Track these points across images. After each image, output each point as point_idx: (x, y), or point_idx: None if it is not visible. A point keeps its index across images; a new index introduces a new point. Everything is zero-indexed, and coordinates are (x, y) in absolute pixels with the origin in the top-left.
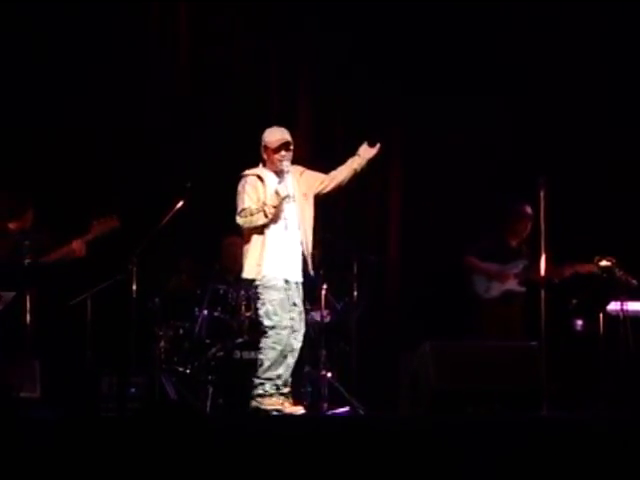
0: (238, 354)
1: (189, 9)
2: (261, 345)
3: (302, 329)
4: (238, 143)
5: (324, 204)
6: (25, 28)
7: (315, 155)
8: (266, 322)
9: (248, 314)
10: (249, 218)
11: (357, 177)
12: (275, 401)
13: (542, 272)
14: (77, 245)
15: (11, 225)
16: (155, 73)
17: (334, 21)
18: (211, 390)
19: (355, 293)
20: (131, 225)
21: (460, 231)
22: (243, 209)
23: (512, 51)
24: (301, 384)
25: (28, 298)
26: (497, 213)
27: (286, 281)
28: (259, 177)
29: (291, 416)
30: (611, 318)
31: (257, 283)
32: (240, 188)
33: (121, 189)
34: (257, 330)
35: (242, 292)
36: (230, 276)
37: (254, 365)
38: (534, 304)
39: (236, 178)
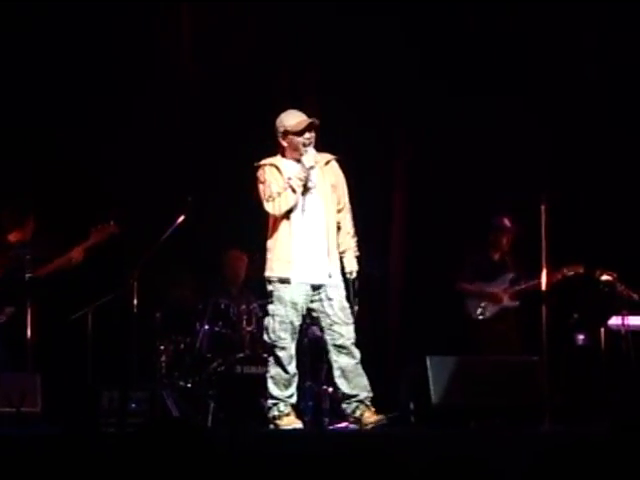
0: (239, 369)
1: (191, 9)
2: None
3: (345, 326)
4: (240, 156)
5: None
6: (23, 31)
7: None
8: (264, 336)
9: (249, 328)
10: (277, 200)
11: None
12: (292, 420)
13: (544, 288)
14: (75, 253)
15: (11, 237)
16: (157, 83)
17: (339, 20)
18: (212, 405)
19: (356, 308)
20: (132, 239)
21: (465, 248)
22: (270, 194)
23: (515, 62)
24: (302, 399)
25: (29, 312)
26: (480, 228)
27: (313, 287)
28: (276, 167)
29: (292, 431)
30: (612, 333)
31: (270, 288)
32: (260, 177)
33: (122, 203)
34: (258, 344)
35: (243, 306)
36: (234, 289)
37: (255, 380)
38: (535, 319)
39: (252, 169)
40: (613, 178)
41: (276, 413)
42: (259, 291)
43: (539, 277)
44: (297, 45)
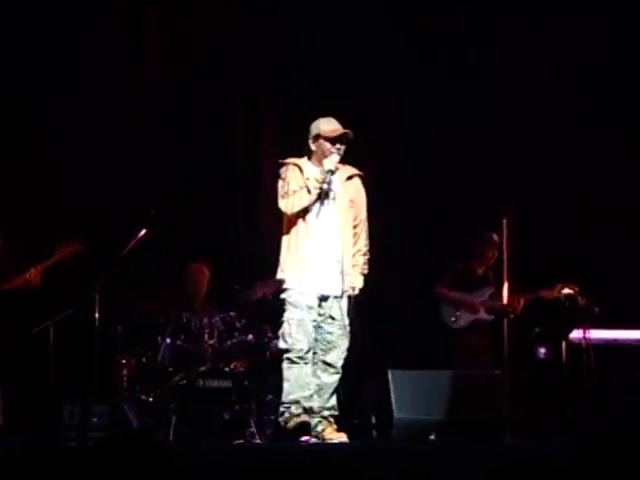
0: (201, 382)
1: (154, 13)
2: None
3: (342, 345)
4: (202, 170)
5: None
6: None
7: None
8: (281, 343)
9: (211, 342)
10: (291, 198)
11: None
12: (302, 420)
13: (504, 300)
14: (32, 275)
15: None
16: (122, 103)
17: (305, 18)
18: (174, 418)
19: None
20: (94, 253)
21: (430, 259)
22: (287, 192)
23: (481, 70)
24: (264, 412)
25: None
26: (464, 241)
27: (321, 297)
28: (299, 167)
29: (255, 445)
30: (574, 346)
31: (283, 296)
32: (282, 174)
33: (85, 216)
34: (220, 358)
35: (205, 320)
36: (195, 302)
37: (217, 393)
38: (497, 332)
39: (277, 165)
40: (576, 191)
41: (287, 415)
42: (221, 304)
43: (517, 298)
44: (263, 45)
